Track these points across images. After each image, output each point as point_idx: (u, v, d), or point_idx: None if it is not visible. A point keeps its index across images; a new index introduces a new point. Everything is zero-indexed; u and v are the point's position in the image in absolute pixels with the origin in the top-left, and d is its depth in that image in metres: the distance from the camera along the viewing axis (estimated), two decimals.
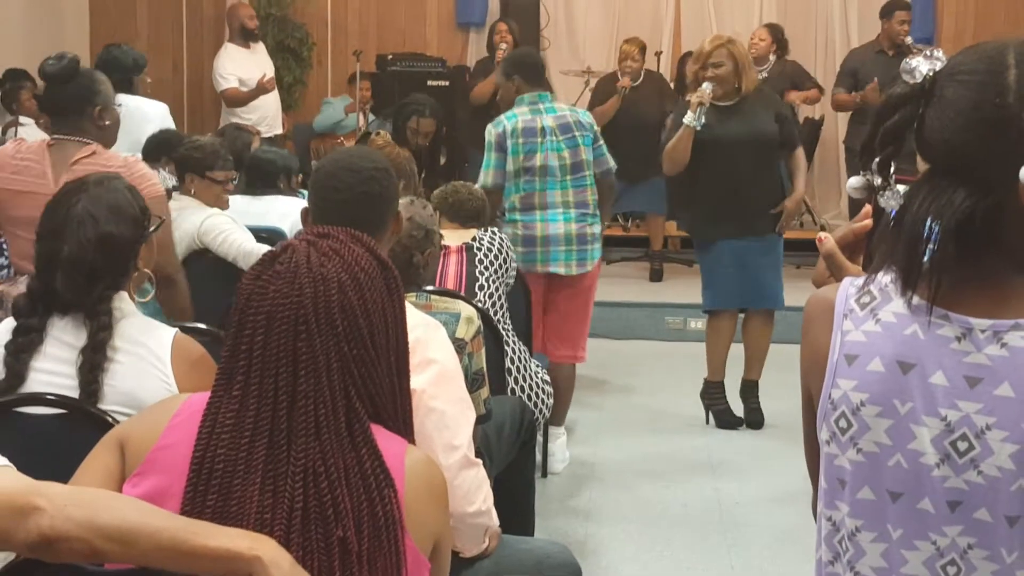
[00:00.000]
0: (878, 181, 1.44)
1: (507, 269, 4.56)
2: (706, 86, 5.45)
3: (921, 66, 1.42)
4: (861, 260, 1.57)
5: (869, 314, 1.44)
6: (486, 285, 4.40)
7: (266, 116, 8.87)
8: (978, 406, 1.36)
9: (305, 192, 5.70)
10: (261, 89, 8.52)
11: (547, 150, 5.27)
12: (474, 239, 4.52)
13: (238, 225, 4.72)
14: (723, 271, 5.65)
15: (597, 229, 5.38)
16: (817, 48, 10.32)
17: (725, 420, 5.82)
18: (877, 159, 1.44)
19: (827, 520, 1.50)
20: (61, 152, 3.65)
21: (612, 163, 5.46)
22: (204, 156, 4.80)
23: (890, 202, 1.43)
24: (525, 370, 4.41)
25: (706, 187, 5.60)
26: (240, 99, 8.70)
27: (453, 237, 4.50)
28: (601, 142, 5.41)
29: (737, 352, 5.81)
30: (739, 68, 5.48)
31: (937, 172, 1.39)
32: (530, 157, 5.28)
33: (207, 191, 4.77)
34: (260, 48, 9.13)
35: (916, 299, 1.39)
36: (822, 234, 1.58)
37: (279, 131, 9.04)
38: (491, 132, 5.36)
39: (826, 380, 1.46)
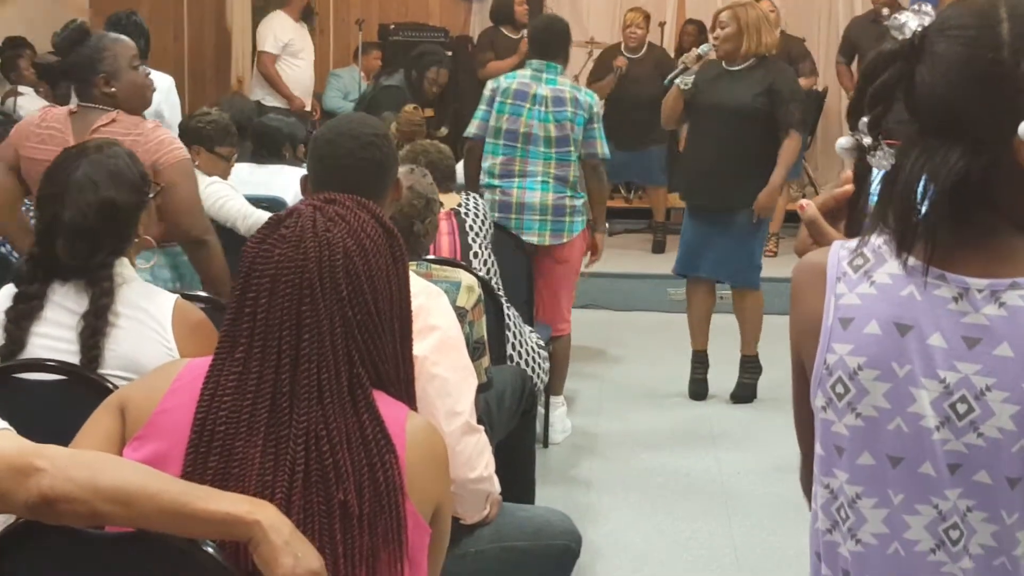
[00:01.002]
0: (868, 141, 1.41)
1: (490, 235, 4.56)
2: (703, 47, 5.46)
3: (910, 22, 1.38)
4: (842, 227, 1.55)
5: (863, 276, 1.41)
6: (480, 252, 4.38)
7: (298, 91, 8.88)
8: (977, 367, 1.34)
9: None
10: (290, 101, 8.58)
11: (533, 118, 5.23)
12: (460, 205, 4.49)
13: (236, 193, 4.78)
14: (688, 237, 5.67)
15: (578, 203, 5.31)
16: (820, 18, 10.27)
17: (691, 390, 5.85)
18: (867, 118, 1.41)
19: (824, 488, 1.48)
20: (83, 120, 3.63)
21: (603, 151, 5.32)
22: (215, 132, 4.83)
23: (881, 162, 1.40)
24: (520, 335, 4.41)
25: (688, 152, 5.66)
26: (270, 74, 8.74)
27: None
28: (596, 125, 5.30)
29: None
30: (744, 31, 5.40)
31: (928, 131, 1.36)
32: (514, 120, 5.24)
33: (212, 164, 4.81)
34: (304, 27, 9.14)
35: (912, 260, 1.37)
36: (803, 201, 1.56)
37: (308, 108, 9.03)
38: (488, 86, 5.40)
39: (820, 345, 1.44)
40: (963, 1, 1.39)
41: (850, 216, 1.53)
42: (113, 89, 3.70)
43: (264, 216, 4.60)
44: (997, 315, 1.34)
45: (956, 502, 1.37)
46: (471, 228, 4.43)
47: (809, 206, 1.55)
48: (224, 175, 4.86)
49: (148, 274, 3.57)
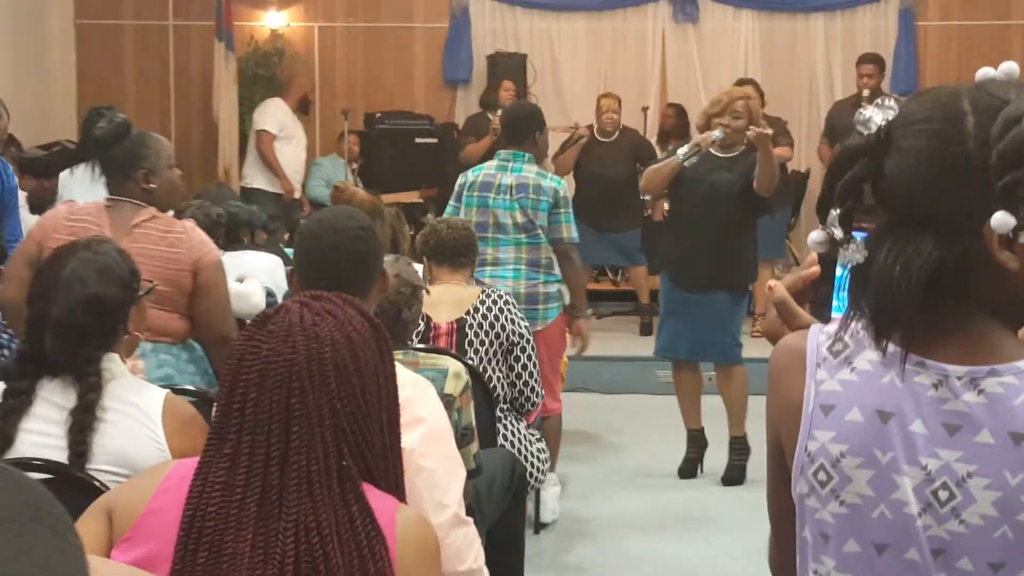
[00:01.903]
0: (839, 235, 1.42)
1: (507, 336, 4.38)
2: (717, 133, 5.47)
3: (875, 116, 1.40)
4: (808, 308, 1.55)
5: (843, 363, 1.42)
6: (476, 360, 4.32)
7: (288, 175, 9.06)
8: (958, 454, 1.34)
9: (288, 249, 5.71)
10: (282, 182, 8.89)
11: (498, 207, 5.28)
12: (468, 313, 4.35)
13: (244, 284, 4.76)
14: (673, 321, 5.70)
15: (552, 288, 5.32)
16: (801, 102, 10.41)
17: (681, 469, 5.84)
18: (837, 212, 1.41)
19: (813, 573, 1.47)
20: (119, 213, 3.66)
21: (570, 234, 5.33)
22: (192, 213, 4.84)
23: (854, 256, 1.41)
24: (521, 440, 4.39)
25: (673, 232, 5.68)
26: (267, 154, 9.02)
27: (446, 301, 4.33)
28: (562, 211, 5.31)
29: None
30: (751, 123, 5.53)
31: (900, 221, 1.37)
32: (482, 211, 5.29)
33: None
34: (298, 120, 9.52)
35: (891, 347, 1.37)
36: (772, 282, 1.56)
37: (297, 194, 9.21)
38: (457, 181, 5.48)
39: (801, 431, 1.43)
40: (925, 94, 1.41)
41: (815, 298, 1.54)
42: (154, 186, 3.74)
43: (253, 290, 4.62)
44: (977, 402, 1.34)
45: None
46: (471, 343, 4.30)
47: (778, 287, 1.55)
48: None
49: (174, 369, 3.59)
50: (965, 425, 1.34)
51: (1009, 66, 1.40)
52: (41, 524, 0.85)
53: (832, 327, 1.45)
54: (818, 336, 1.46)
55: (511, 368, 4.40)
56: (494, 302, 4.39)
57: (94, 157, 3.82)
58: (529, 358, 4.42)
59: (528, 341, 4.42)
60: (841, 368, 1.42)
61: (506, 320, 4.37)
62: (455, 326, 4.29)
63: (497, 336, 4.35)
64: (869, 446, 1.39)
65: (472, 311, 4.35)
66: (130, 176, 3.72)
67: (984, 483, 1.33)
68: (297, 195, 9.27)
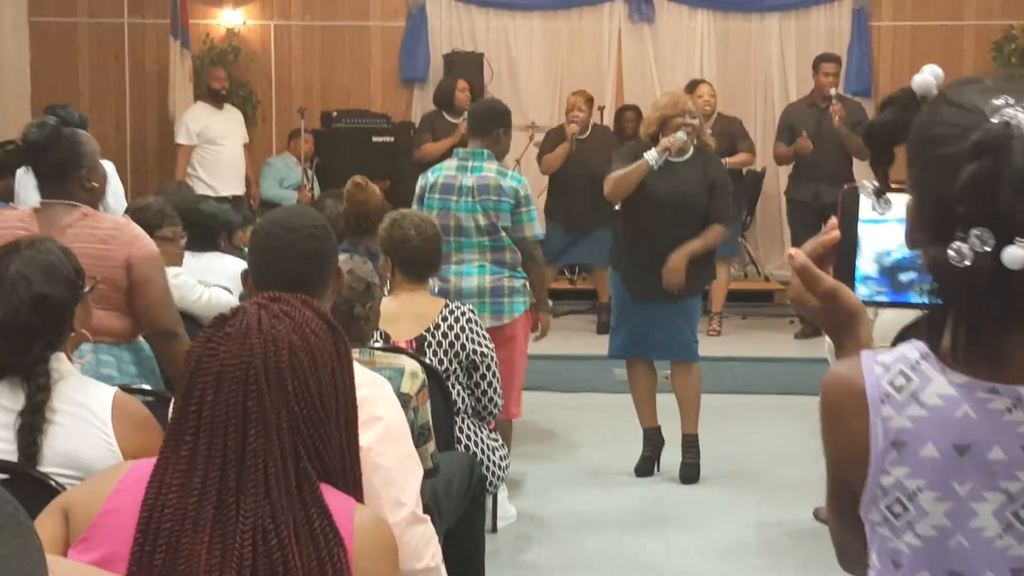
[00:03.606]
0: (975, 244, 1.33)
1: (467, 355, 4.33)
2: (681, 135, 5.47)
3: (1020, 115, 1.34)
4: (831, 272, 1.53)
5: (910, 398, 1.40)
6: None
7: (224, 176, 8.99)
8: None
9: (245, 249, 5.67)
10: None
11: (461, 210, 5.28)
12: (428, 331, 4.28)
13: (207, 288, 4.70)
14: (629, 321, 5.70)
15: (517, 283, 5.33)
16: (756, 103, 10.48)
17: (638, 467, 5.86)
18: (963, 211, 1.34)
19: None
20: (49, 217, 3.59)
21: (532, 233, 5.37)
22: (151, 216, 4.70)
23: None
24: (484, 449, 4.39)
25: (629, 238, 5.66)
26: (179, 166, 9.14)
27: (408, 315, 4.26)
28: (525, 209, 5.32)
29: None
30: (700, 126, 5.59)
31: (1008, 231, 1.32)
32: (444, 215, 5.26)
33: (160, 251, 4.69)
34: (231, 110, 9.45)
35: (961, 378, 1.37)
36: (792, 250, 1.55)
37: (239, 192, 9.12)
38: (418, 183, 5.46)
39: (872, 467, 1.42)
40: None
41: (839, 261, 1.53)
42: (95, 184, 3.69)
43: (218, 294, 4.59)
44: None
45: None
46: (429, 361, 4.19)
47: (798, 254, 1.53)
48: (174, 259, 4.73)
49: (115, 370, 3.55)
50: None
51: (934, 68, 1.42)
52: (1, 527, 0.85)
53: (885, 356, 1.44)
54: (874, 368, 1.44)
55: (476, 385, 4.39)
56: (456, 319, 4.32)
57: (28, 163, 3.74)
58: (493, 373, 4.41)
59: (491, 358, 4.39)
60: (909, 404, 1.41)
61: (467, 339, 4.31)
62: (414, 344, 4.24)
63: (457, 355, 4.30)
64: (947, 480, 1.39)
65: (433, 328, 4.29)
66: (71, 178, 3.65)
67: None
68: (240, 192, 9.20)
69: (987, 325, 1.35)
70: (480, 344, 4.34)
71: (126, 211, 4.88)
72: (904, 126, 1.43)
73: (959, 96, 1.39)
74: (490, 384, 4.40)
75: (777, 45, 10.42)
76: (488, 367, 4.37)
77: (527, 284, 5.40)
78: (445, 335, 4.29)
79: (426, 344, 4.26)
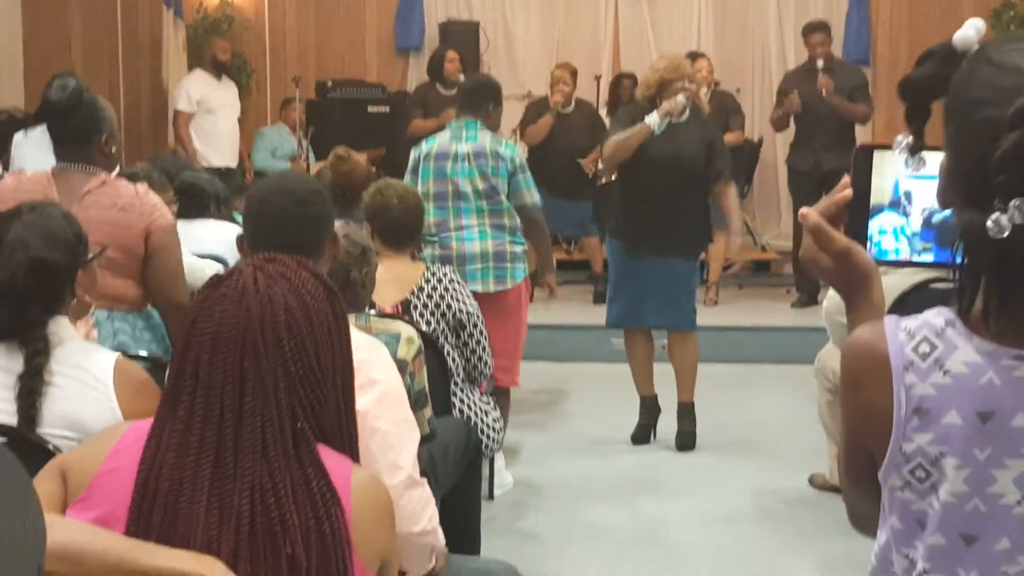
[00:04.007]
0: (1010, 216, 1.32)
1: (454, 314, 4.31)
2: (682, 98, 5.47)
3: None
4: (843, 232, 1.52)
5: (934, 365, 1.40)
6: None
7: (218, 147, 8.94)
8: None
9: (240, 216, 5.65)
10: (191, 160, 8.66)
11: (457, 175, 5.29)
12: (412, 293, 4.28)
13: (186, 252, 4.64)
14: (628, 289, 5.70)
15: (518, 249, 5.35)
16: (754, 71, 10.45)
17: (634, 435, 5.87)
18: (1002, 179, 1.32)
19: (904, 557, 1.47)
20: (68, 183, 3.57)
21: (532, 199, 5.39)
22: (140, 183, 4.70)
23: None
24: (467, 393, 4.40)
25: (629, 200, 5.65)
26: (180, 134, 9.00)
27: (390, 281, 4.17)
28: (521, 176, 5.35)
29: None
30: (697, 91, 5.62)
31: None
32: (440, 181, 5.29)
33: None
34: (228, 82, 9.35)
35: (987, 345, 1.37)
36: (804, 209, 1.53)
37: (232, 164, 9.07)
38: (411, 155, 5.47)
39: (895, 432, 1.41)
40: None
41: (851, 219, 1.52)
42: (115, 149, 3.67)
43: (206, 265, 4.54)
44: None
45: None
46: (416, 323, 4.17)
47: (811, 213, 1.52)
48: None
49: (129, 337, 3.54)
50: None
51: (977, 22, 1.39)
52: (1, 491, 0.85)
53: (909, 322, 1.43)
54: (898, 335, 1.43)
55: (465, 344, 4.39)
56: (439, 280, 4.31)
57: (53, 126, 3.70)
58: (480, 332, 4.39)
59: (477, 316, 4.39)
60: (933, 371, 1.40)
61: (451, 299, 4.30)
62: (400, 308, 4.23)
63: (444, 315, 4.29)
64: (969, 447, 1.38)
65: (417, 291, 4.28)
66: (92, 142, 3.63)
67: None
68: (233, 164, 9.17)
69: (1018, 293, 1.33)
70: (465, 303, 4.34)
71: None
72: (943, 80, 1.40)
73: (1001, 56, 1.36)
74: (478, 343, 4.40)
75: (775, 12, 10.37)
76: (475, 325, 4.37)
77: (526, 251, 5.41)
78: (430, 296, 4.29)
79: (412, 306, 4.26)
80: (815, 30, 8.58)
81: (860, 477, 1.51)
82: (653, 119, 5.45)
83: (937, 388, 1.39)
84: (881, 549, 1.50)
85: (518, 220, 5.37)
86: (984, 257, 1.35)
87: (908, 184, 1.50)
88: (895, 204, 1.52)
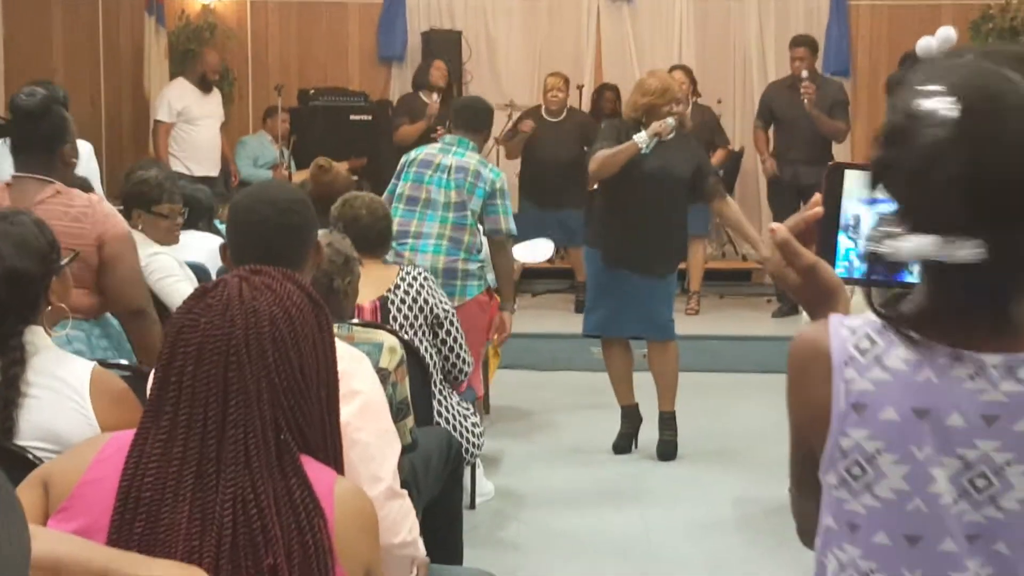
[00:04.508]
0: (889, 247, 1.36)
1: (431, 310, 4.36)
2: (671, 120, 5.54)
3: (938, 107, 1.33)
4: (814, 248, 1.54)
5: (873, 361, 1.41)
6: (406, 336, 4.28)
7: (198, 157, 8.90)
8: (996, 443, 1.35)
9: (221, 225, 5.63)
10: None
11: (432, 183, 5.36)
12: (390, 291, 4.30)
13: (184, 271, 4.53)
14: (606, 299, 5.72)
15: (473, 266, 5.37)
16: (735, 82, 10.48)
17: (616, 444, 5.89)
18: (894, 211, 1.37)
19: (834, 559, 1.47)
20: (22, 192, 3.54)
21: (507, 226, 5.40)
22: (149, 190, 4.58)
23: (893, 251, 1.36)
24: (447, 400, 4.40)
25: (612, 214, 5.68)
26: (158, 143, 8.94)
27: (367, 282, 4.08)
28: (499, 202, 5.38)
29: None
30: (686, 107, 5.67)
31: (993, 215, 1.32)
32: (416, 186, 5.37)
33: (154, 226, 4.56)
34: (215, 97, 9.29)
35: (925, 342, 1.37)
36: (774, 224, 1.54)
37: (214, 173, 9.02)
38: (401, 161, 5.55)
39: (832, 428, 1.42)
40: (953, 74, 1.36)
41: (821, 237, 1.53)
42: (74, 160, 3.66)
43: (177, 289, 4.46)
44: (1014, 391, 1.35)
45: (978, 572, 1.38)
46: (394, 318, 4.27)
47: (780, 228, 1.53)
48: (169, 237, 4.60)
49: (84, 345, 3.52)
50: (1003, 415, 1.35)
51: (946, 32, 1.40)
52: None
53: (853, 320, 1.44)
54: (840, 331, 1.44)
55: (443, 342, 4.40)
56: (414, 279, 4.36)
57: (18, 132, 3.68)
58: (457, 330, 4.44)
59: (452, 314, 4.44)
60: (872, 367, 1.41)
61: (428, 295, 4.35)
62: (377, 304, 4.27)
63: (421, 310, 4.33)
64: (906, 443, 1.39)
65: (394, 288, 4.32)
66: (55, 151, 3.61)
67: (1022, 470, 1.35)
68: (215, 173, 9.12)
69: (954, 294, 1.35)
70: (440, 301, 4.40)
71: (125, 186, 4.74)
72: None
73: (915, 74, 1.39)
74: (455, 340, 4.42)
75: (756, 24, 10.41)
76: (452, 323, 4.41)
77: (482, 268, 5.43)
78: (407, 292, 4.32)
79: (389, 303, 4.29)
80: (797, 44, 8.62)
81: (805, 477, 1.52)
82: (642, 139, 5.50)
83: (875, 384, 1.40)
84: (817, 554, 1.51)
85: (480, 239, 5.40)
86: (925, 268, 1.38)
87: (858, 208, 1.51)
88: (846, 227, 1.53)
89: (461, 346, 4.45)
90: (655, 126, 5.52)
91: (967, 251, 1.30)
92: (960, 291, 1.34)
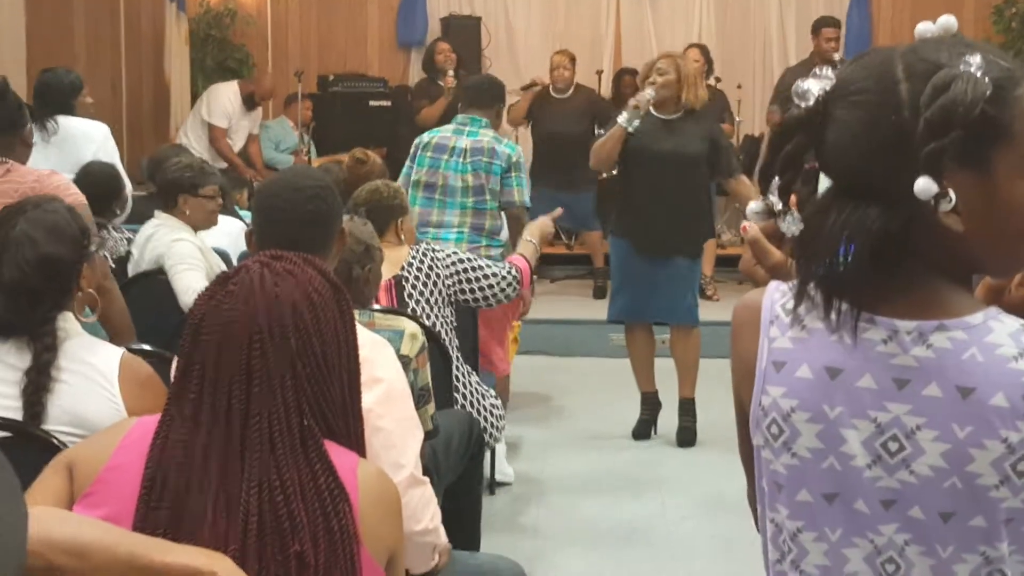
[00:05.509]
0: (779, 206, 1.43)
1: (446, 286, 4.38)
2: (649, 92, 5.51)
3: (813, 87, 1.40)
4: (788, 249, 1.55)
5: (795, 321, 1.45)
6: (421, 310, 4.31)
7: (215, 156, 8.92)
8: (907, 407, 1.37)
9: (246, 212, 5.66)
10: (240, 171, 8.68)
11: (449, 169, 5.36)
12: (403, 268, 4.33)
13: (205, 258, 4.56)
14: (631, 285, 5.72)
15: (495, 252, 5.38)
16: (755, 67, 10.45)
17: (635, 430, 5.89)
18: (777, 183, 1.43)
19: (770, 522, 1.52)
20: None
21: (521, 198, 5.42)
22: (193, 175, 4.66)
23: (791, 227, 1.42)
24: (468, 384, 4.41)
25: (631, 198, 5.68)
26: (222, 149, 8.95)
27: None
28: (515, 175, 5.39)
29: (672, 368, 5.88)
30: (682, 81, 5.55)
31: (844, 190, 1.38)
32: (432, 172, 5.38)
33: (200, 209, 4.62)
34: (256, 114, 9.34)
35: (842, 306, 1.39)
36: (746, 222, 1.57)
37: (223, 164, 9.06)
38: (414, 144, 5.55)
39: (755, 387, 1.47)
40: (860, 60, 1.41)
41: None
42: (33, 141, 3.74)
43: (188, 281, 4.47)
44: (925, 356, 1.37)
45: (892, 537, 1.40)
46: (410, 296, 4.29)
47: (751, 227, 1.56)
48: (212, 219, 4.68)
49: (90, 326, 3.53)
50: (914, 379, 1.37)
51: (947, 20, 1.40)
52: None
53: (788, 284, 1.47)
54: (773, 294, 1.49)
55: (475, 281, 4.38)
56: (424, 254, 4.38)
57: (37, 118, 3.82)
58: (476, 266, 4.39)
59: (468, 258, 4.42)
60: (793, 326, 1.45)
61: (439, 268, 4.36)
62: (392, 283, 4.29)
63: (436, 284, 4.34)
64: (818, 402, 1.42)
65: (407, 266, 4.34)
66: (17, 133, 3.70)
67: (933, 435, 1.36)
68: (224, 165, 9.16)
69: (863, 262, 1.36)
70: (447, 255, 4.38)
71: (168, 172, 4.77)
72: None
73: (872, 56, 1.43)
74: (484, 275, 4.39)
75: (776, 9, 10.38)
76: (466, 259, 4.40)
77: (504, 253, 5.43)
78: (420, 269, 4.34)
79: (404, 280, 4.30)
80: (828, 25, 8.52)
81: (745, 446, 1.55)
82: (622, 118, 5.52)
83: (794, 342, 1.44)
84: (760, 518, 1.55)
85: (501, 222, 5.41)
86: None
87: None
88: None
89: (493, 274, 4.40)
90: (631, 101, 5.55)
91: (788, 225, 1.40)
92: (867, 260, 1.35)
